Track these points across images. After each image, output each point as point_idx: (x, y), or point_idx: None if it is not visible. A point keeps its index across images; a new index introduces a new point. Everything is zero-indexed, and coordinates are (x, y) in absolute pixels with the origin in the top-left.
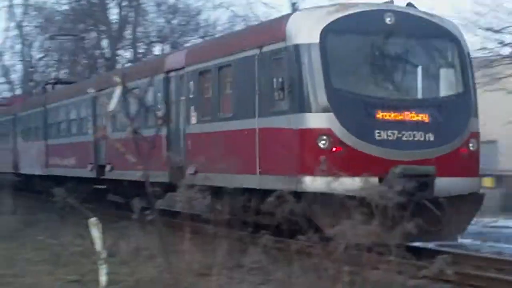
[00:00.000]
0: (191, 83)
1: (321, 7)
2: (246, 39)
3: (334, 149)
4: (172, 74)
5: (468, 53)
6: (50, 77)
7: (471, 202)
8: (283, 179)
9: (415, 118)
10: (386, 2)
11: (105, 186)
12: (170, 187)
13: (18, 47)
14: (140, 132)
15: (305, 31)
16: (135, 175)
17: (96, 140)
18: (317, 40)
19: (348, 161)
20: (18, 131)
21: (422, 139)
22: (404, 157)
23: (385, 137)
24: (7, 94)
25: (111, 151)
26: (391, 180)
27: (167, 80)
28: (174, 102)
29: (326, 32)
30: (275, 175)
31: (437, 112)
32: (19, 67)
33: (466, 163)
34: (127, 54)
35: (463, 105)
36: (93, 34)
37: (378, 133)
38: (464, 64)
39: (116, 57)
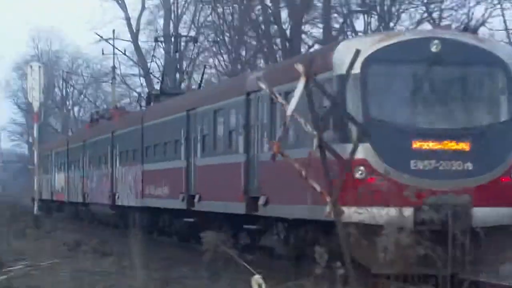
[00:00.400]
0: (264, 108)
1: (368, 35)
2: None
3: (370, 179)
4: (252, 96)
5: None
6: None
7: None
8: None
9: (454, 147)
10: (445, 25)
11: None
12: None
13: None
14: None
15: (348, 61)
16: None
17: (188, 164)
18: (358, 70)
19: (383, 191)
20: (116, 153)
21: (460, 168)
22: (440, 186)
23: (421, 167)
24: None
25: (201, 178)
26: (424, 210)
27: (247, 102)
28: (252, 126)
29: (367, 62)
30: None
31: (478, 140)
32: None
33: (508, 192)
34: (315, 31)
35: (507, 133)
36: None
37: (414, 162)
38: (511, 91)
39: (301, 35)
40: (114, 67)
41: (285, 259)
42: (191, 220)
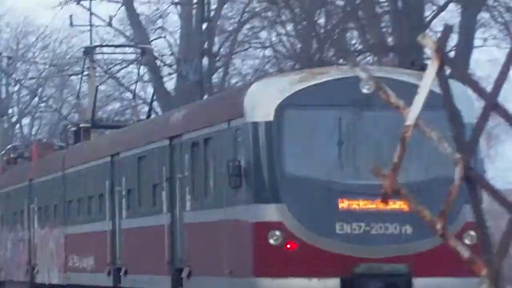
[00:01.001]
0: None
1: (286, 75)
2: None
3: (288, 245)
4: (175, 141)
5: (471, 124)
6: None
7: None
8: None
9: (390, 207)
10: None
11: None
12: None
13: None
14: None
15: (261, 107)
16: None
17: (113, 227)
18: (271, 118)
19: (304, 260)
20: (34, 209)
21: (396, 232)
22: (372, 254)
23: (349, 230)
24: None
25: (126, 245)
26: (353, 281)
27: (171, 149)
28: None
29: (283, 108)
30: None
31: (419, 198)
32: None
33: (459, 260)
34: None
35: None
36: None
37: (341, 225)
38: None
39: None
40: (91, 48)
41: None
42: None
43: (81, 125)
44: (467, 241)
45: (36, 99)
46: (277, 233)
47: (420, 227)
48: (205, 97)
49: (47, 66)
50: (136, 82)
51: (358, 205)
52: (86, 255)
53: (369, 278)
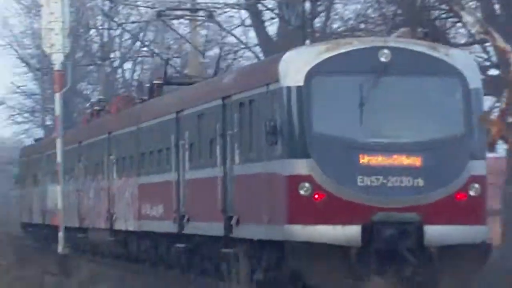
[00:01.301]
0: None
1: (314, 45)
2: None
3: (316, 196)
4: (227, 101)
5: (476, 89)
6: None
7: (472, 254)
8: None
9: (404, 162)
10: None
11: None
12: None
13: None
14: None
15: (292, 73)
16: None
17: (178, 178)
18: (301, 83)
19: (330, 208)
20: (112, 160)
21: (410, 184)
22: (388, 203)
23: (369, 183)
24: None
25: (189, 194)
26: (371, 228)
27: (223, 108)
28: (228, 135)
29: (311, 74)
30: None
31: (430, 155)
32: None
33: (465, 209)
34: None
35: (462, 147)
36: None
37: (361, 178)
38: (468, 102)
39: None
40: None
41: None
42: (182, 246)
43: (154, 82)
44: (471, 193)
45: (138, 43)
46: (307, 185)
47: (431, 181)
48: (307, 42)
49: (149, 10)
50: (238, 26)
51: (377, 160)
52: (156, 204)
53: (385, 225)
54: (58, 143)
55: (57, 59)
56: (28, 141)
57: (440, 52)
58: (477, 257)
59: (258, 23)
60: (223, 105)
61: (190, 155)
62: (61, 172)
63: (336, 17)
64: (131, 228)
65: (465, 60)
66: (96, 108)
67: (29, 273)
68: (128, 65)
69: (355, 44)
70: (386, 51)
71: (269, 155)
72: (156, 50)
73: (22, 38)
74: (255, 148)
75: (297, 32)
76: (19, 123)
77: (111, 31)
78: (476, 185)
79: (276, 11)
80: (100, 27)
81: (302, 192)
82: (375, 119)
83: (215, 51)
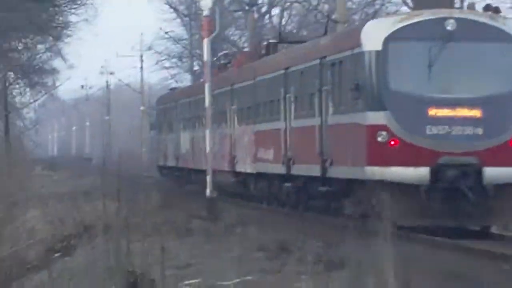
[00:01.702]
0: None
1: (391, 16)
2: (345, 41)
3: (391, 142)
4: (324, 61)
5: None
6: None
7: None
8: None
9: (466, 114)
10: (469, 3)
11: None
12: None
13: None
14: None
15: (372, 40)
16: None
17: (286, 126)
18: (380, 48)
19: (403, 153)
20: (234, 109)
21: (471, 133)
22: (452, 149)
23: (436, 131)
24: None
25: (293, 140)
26: (439, 170)
27: (321, 67)
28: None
29: (387, 40)
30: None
31: (488, 108)
32: None
33: None
34: None
35: None
36: None
37: (430, 128)
38: None
39: None
40: None
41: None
42: (289, 185)
43: (270, 41)
44: None
45: None
46: (383, 133)
47: (489, 130)
48: None
49: None
50: None
51: (443, 112)
52: (268, 148)
53: (449, 167)
54: (207, 88)
55: (206, 4)
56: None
57: (498, 21)
58: None
59: None
60: (320, 64)
61: (295, 106)
62: (209, 116)
63: None
64: (249, 170)
65: None
66: (223, 62)
67: (177, 216)
68: (276, 11)
69: (425, 15)
70: (451, 21)
71: (354, 108)
72: None
73: None
74: (344, 102)
75: None
76: (166, 68)
77: None
78: None
79: None
80: None
81: (379, 139)
82: (442, 78)
83: None
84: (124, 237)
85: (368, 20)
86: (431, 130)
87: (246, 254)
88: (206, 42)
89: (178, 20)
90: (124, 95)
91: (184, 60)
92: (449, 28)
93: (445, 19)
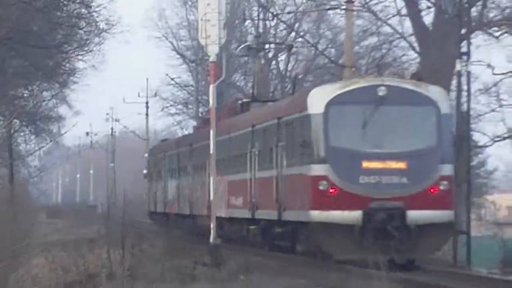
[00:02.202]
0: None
1: (332, 84)
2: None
3: (330, 190)
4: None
5: (446, 114)
6: None
7: (441, 230)
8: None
9: (394, 166)
10: (394, 72)
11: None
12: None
13: None
14: None
15: (315, 104)
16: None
17: (251, 177)
18: (322, 111)
19: (340, 199)
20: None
21: (397, 182)
22: (382, 195)
23: (368, 181)
24: None
25: (256, 189)
26: (370, 213)
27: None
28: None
29: (328, 105)
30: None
31: (412, 161)
32: None
33: (436, 199)
34: None
35: (435, 155)
36: None
37: (362, 178)
38: (440, 123)
39: None
40: None
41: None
42: (253, 227)
43: (244, 100)
44: (441, 187)
45: (293, 34)
46: (324, 182)
47: (412, 179)
48: (463, 31)
49: (304, 1)
50: (394, 16)
51: (374, 165)
52: (238, 196)
53: (378, 211)
54: (212, 134)
55: (212, 50)
56: (181, 133)
57: (421, 88)
58: (444, 233)
59: (414, 13)
60: (277, 124)
61: (259, 160)
62: (213, 163)
63: (493, 5)
64: (223, 215)
65: (439, 93)
66: (206, 117)
67: (180, 263)
68: (282, 57)
69: (361, 82)
70: (382, 88)
71: (301, 161)
72: (311, 41)
73: (177, 29)
74: (294, 156)
75: (453, 21)
76: (172, 114)
77: (266, 22)
78: (445, 182)
79: (433, 0)
80: (256, 18)
81: (321, 187)
82: (374, 136)
83: (370, 41)
84: (128, 285)
85: (327, 82)
86: (364, 179)
87: None
88: (212, 88)
89: (184, 66)
90: (129, 141)
91: (189, 106)
92: (380, 94)
93: (377, 86)
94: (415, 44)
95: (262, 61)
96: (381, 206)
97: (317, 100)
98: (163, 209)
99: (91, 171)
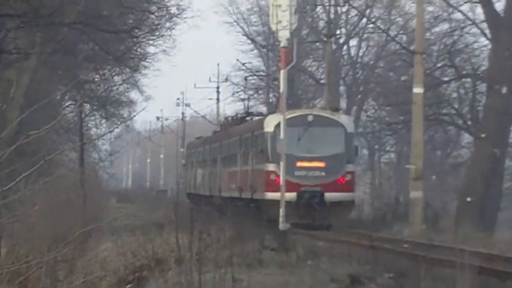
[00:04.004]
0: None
1: (279, 113)
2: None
3: (276, 180)
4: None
5: (351, 132)
6: None
7: (346, 206)
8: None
9: (317, 165)
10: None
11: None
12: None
13: None
14: None
15: (269, 125)
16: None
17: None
18: (272, 130)
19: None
20: (221, 157)
21: (319, 175)
22: (308, 183)
23: (300, 173)
24: None
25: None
26: (301, 194)
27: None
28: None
29: (276, 126)
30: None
31: (328, 161)
32: None
33: (344, 186)
34: None
35: (342, 158)
36: None
37: (297, 171)
38: (346, 138)
39: None
40: None
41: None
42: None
43: (238, 114)
44: (347, 178)
45: (364, 20)
46: (273, 175)
47: (328, 173)
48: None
49: None
50: (465, 2)
51: (304, 164)
52: (232, 182)
53: (307, 193)
54: (282, 121)
55: (284, 35)
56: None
57: (335, 115)
58: (348, 208)
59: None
60: (251, 136)
61: (243, 159)
62: (283, 151)
63: None
64: (225, 195)
65: (347, 119)
66: (222, 124)
67: (247, 248)
68: (353, 42)
69: (297, 112)
70: (310, 116)
71: (261, 161)
72: (382, 27)
73: (248, 15)
74: (258, 158)
75: None
76: (242, 100)
77: (338, 8)
78: (349, 175)
79: None
80: (327, 4)
81: (271, 177)
82: (304, 146)
83: (441, 27)
84: (196, 270)
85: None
86: (298, 173)
87: (318, 285)
88: (283, 73)
89: (255, 51)
90: (199, 126)
91: (260, 92)
92: (309, 119)
93: (307, 115)
94: (487, 31)
95: (334, 47)
96: (308, 190)
97: (270, 123)
98: (195, 191)
99: (161, 156)
